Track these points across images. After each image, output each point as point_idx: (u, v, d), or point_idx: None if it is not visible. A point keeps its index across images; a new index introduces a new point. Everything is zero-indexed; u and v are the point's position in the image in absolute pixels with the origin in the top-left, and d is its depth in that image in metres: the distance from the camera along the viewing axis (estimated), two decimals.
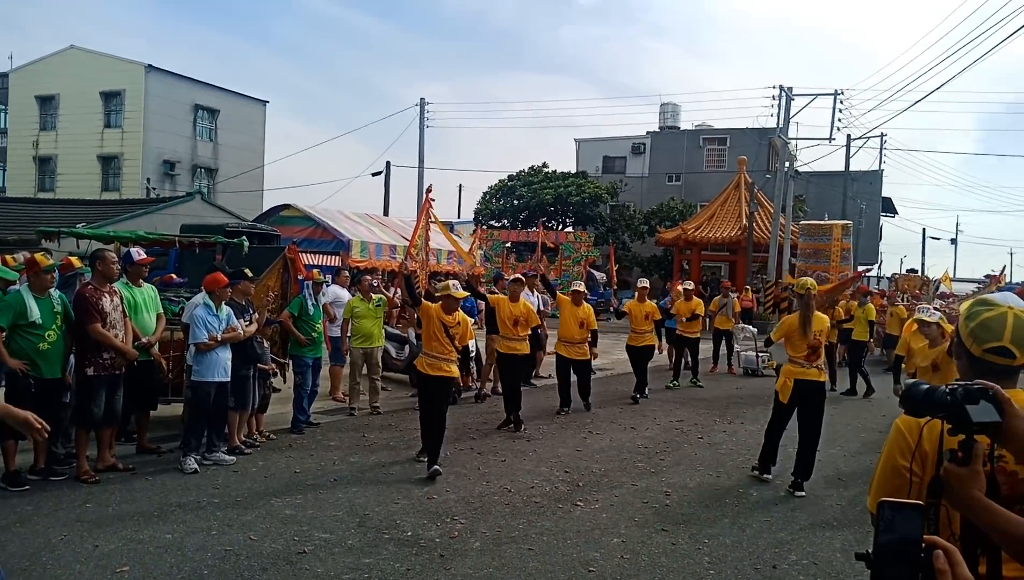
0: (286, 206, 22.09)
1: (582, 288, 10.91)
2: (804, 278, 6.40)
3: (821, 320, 7.37)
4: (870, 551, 1.28)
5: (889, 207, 47.02)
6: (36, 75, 39.56)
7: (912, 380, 1.82)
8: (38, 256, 6.48)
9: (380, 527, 5.63)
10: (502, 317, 9.65)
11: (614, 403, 11.48)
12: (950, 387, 1.61)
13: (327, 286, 10.35)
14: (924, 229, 55.08)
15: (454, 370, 7.62)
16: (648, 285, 12.68)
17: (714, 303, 16.32)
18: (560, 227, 35.81)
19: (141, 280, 7.37)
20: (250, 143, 41.80)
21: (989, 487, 1.58)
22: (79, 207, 25.00)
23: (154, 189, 35.19)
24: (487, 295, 10.39)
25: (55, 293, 6.49)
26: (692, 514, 6.27)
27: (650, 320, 11.99)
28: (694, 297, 13.77)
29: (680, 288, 14.11)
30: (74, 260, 7.19)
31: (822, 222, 25.82)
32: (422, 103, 33.68)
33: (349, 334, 10.04)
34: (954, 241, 60.79)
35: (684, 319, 13.46)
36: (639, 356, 11.87)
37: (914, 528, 1.24)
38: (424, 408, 7.50)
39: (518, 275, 10.80)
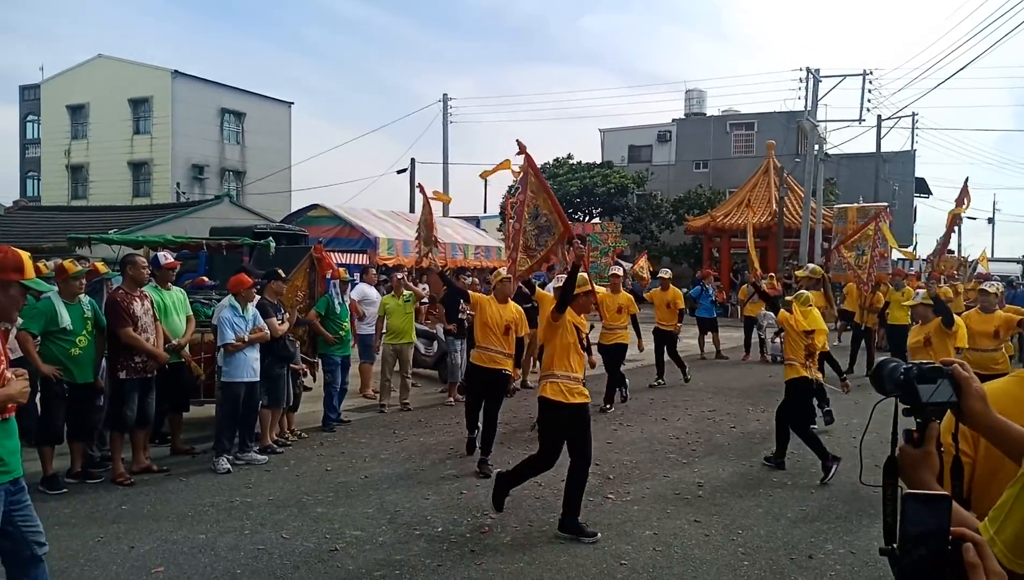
0: (314, 206, 22.27)
1: (620, 272, 10.74)
2: (812, 265, 6.34)
3: (815, 320, 7.43)
4: (894, 545, 1.23)
5: (923, 188, 46.06)
6: (66, 85, 40.31)
7: (884, 358, 1.75)
8: (66, 263, 6.56)
9: (411, 523, 5.64)
10: (484, 321, 7.34)
11: (645, 394, 11.39)
12: (906, 366, 1.57)
13: (354, 284, 10.40)
14: None
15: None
16: (621, 273, 11.57)
17: (742, 291, 16.11)
18: (587, 218, 35.63)
19: (170, 283, 7.46)
20: (277, 145, 42.19)
21: (954, 469, 1.53)
22: (111, 213, 25.40)
23: (183, 193, 35.68)
24: (468, 292, 7.90)
25: (85, 299, 6.57)
26: (725, 504, 6.19)
27: (624, 314, 10.59)
28: (671, 287, 12.88)
29: (634, 267, 13.44)
30: (99, 265, 7.28)
31: (858, 206, 25.43)
32: (445, 99, 33.71)
33: (383, 331, 10.12)
34: (991, 220, 59.46)
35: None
36: (609, 356, 10.28)
37: (942, 520, 1.18)
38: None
39: (503, 272, 7.64)
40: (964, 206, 15.58)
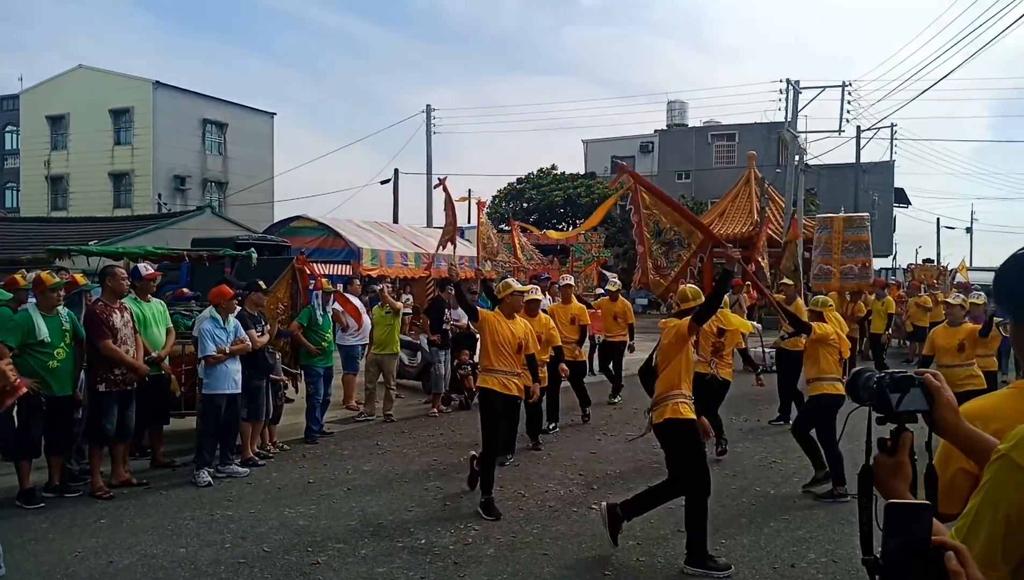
0: (297, 217, 22.15)
1: (571, 281, 10.43)
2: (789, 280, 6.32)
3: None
4: (876, 555, 1.24)
5: (902, 197, 46.62)
6: (46, 95, 39.99)
7: (861, 367, 1.77)
8: (44, 274, 6.50)
9: (394, 535, 5.61)
10: (494, 340, 6.42)
11: (630, 404, 11.40)
12: (878, 374, 1.57)
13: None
14: (938, 218, 54.23)
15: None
16: (572, 282, 10.70)
17: (724, 301, 16.18)
18: (570, 228, 35.71)
19: (150, 295, 7.40)
20: (259, 155, 42.04)
21: (928, 476, 1.56)
22: (91, 224, 25.12)
23: (165, 204, 35.41)
24: (476, 309, 6.73)
25: (63, 311, 6.50)
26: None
27: (576, 325, 9.84)
28: (620, 298, 11.94)
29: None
30: (78, 277, 7.20)
31: (840, 215, 25.62)
32: (428, 109, 33.75)
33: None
34: (969, 230, 60.09)
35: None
36: (555, 375, 8.94)
37: (923, 529, 1.19)
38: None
39: (514, 284, 6.92)
40: None
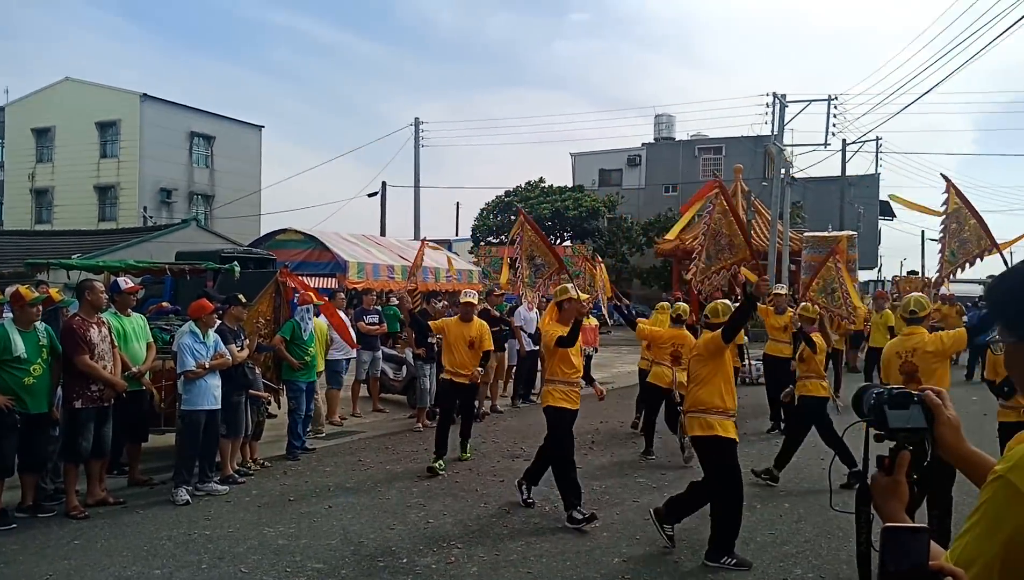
0: (282, 230, 22.02)
1: (474, 299, 9.03)
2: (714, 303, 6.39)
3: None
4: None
5: (887, 210, 46.82)
6: (32, 108, 39.67)
7: (867, 383, 1.73)
8: (23, 289, 6.37)
9: (375, 555, 5.50)
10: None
11: (615, 418, 11.34)
12: (878, 390, 1.54)
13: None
14: (923, 231, 54.61)
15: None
16: (474, 300, 8.97)
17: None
18: (558, 241, 35.75)
19: (129, 309, 7.29)
20: (246, 168, 41.82)
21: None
22: (75, 238, 24.93)
23: (151, 217, 35.16)
24: (429, 323, 8.84)
25: (40, 326, 6.38)
26: (695, 530, 6.11)
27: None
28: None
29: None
30: (54, 293, 7.08)
31: (827, 234, 25.71)
32: (416, 123, 33.70)
33: None
34: None
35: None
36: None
37: (921, 554, 1.15)
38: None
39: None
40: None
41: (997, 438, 5.74)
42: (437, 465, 7.90)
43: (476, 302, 9.12)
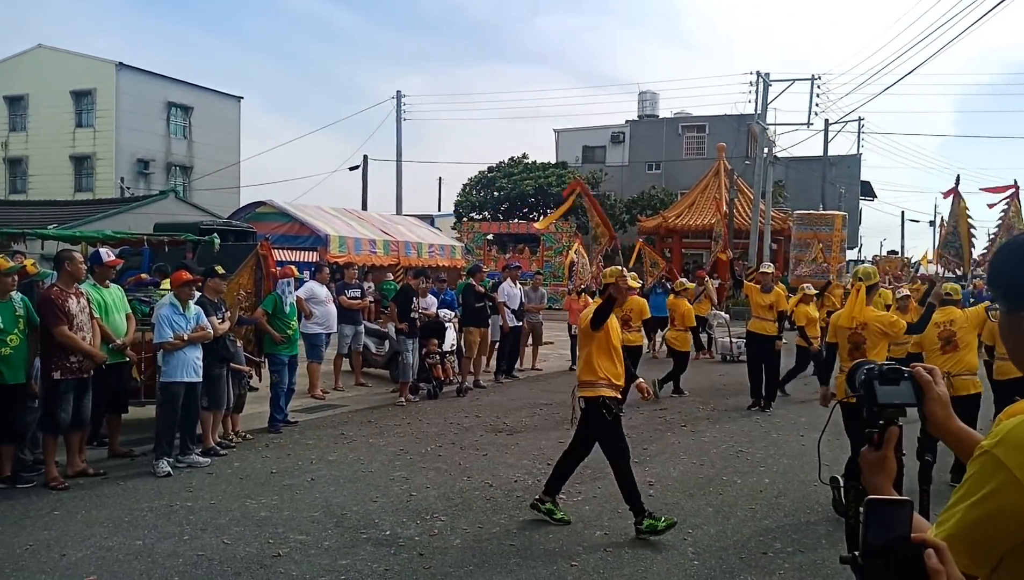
0: (262, 203, 21.80)
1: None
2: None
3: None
4: (855, 553, 1.19)
5: (868, 191, 47.28)
6: (4, 75, 38.79)
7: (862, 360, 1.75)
8: None
9: (358, 527, 5.51)
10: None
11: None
12: (868, 366, 1.55)
13: (301, 282, 10.15)
14: (903, 212, 55.26)
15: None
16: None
17: (690, 292, 16.24)
18: (541, 218, 35.68)
19: (108, 281, 7.19)
20: (225, 140, 41.28)
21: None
22: (51, 208, 24.58)
23: (128, 188, 34.68)
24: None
25: (16, 296, 6.28)
26: (676, 504, 6.19)
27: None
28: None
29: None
30: (28, 264, 6.95)
31: (825, 213, 25.88)
32: (398, 96, 33.40)
33: None
34: (932, 223, 61.15)
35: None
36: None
37: (903, 526, 1.15)
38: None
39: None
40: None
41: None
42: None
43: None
